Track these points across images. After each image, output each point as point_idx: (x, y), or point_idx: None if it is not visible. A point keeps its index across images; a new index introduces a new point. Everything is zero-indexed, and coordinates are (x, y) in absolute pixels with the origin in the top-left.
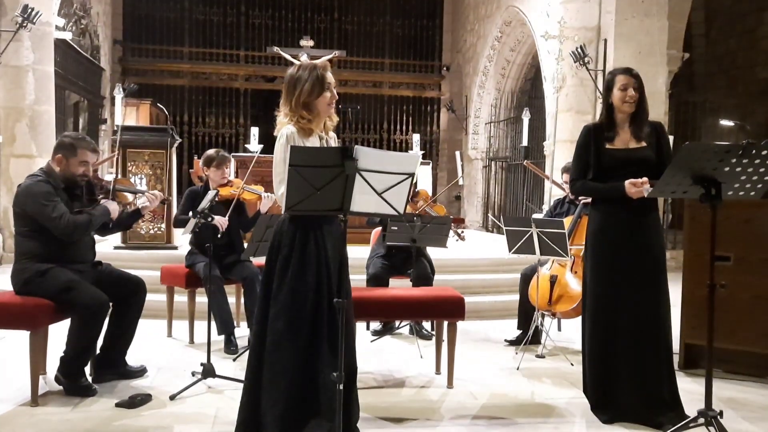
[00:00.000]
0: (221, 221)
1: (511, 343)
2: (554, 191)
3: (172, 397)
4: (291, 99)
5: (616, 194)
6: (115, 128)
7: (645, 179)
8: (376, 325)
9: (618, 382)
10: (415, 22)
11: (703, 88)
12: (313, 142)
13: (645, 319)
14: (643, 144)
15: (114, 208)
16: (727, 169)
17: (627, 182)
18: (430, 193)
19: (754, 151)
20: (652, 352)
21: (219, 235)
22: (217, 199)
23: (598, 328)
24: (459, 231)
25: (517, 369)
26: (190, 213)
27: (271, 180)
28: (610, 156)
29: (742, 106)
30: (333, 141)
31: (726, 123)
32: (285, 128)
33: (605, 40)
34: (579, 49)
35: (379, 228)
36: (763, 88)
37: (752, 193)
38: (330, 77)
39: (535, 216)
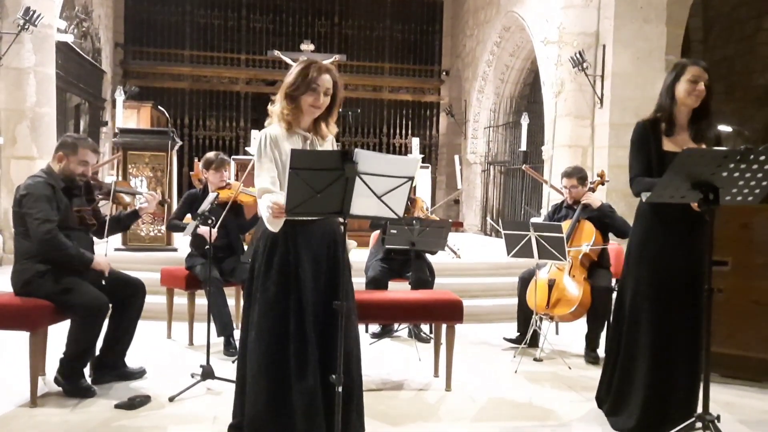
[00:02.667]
0: (204, 232)
1: (510, 341)
2: (552, 195)
3: (171, 399)
4: (282, 87)
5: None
6: (116, 131)
7: None
8: (375, 327)
9: (643, 395)
10: (415, 26)
11: None
12: (293, 142)
13: (682, 335)
14: (704, 147)
15: (101, 267)
16: (725, 174)
17: None
18: (428, 202)
19: (752, 157)
20: (686, 369)
21: (207, 246)
22: (216, 202)
23: (632, 340)
24: (455, 249)
25: (515, 372)
26: (190, 216)
27: None
28: (669, 159)
29: (740, 112)
30: (327, 145)
31: (724, 128)
32: (265, 129)
33: (604, 46)
34: (578, 55)
35: (378, 230)
36: (761, 94)
37: (750, 198)
38: (324, 80)
39: (533, 220)
